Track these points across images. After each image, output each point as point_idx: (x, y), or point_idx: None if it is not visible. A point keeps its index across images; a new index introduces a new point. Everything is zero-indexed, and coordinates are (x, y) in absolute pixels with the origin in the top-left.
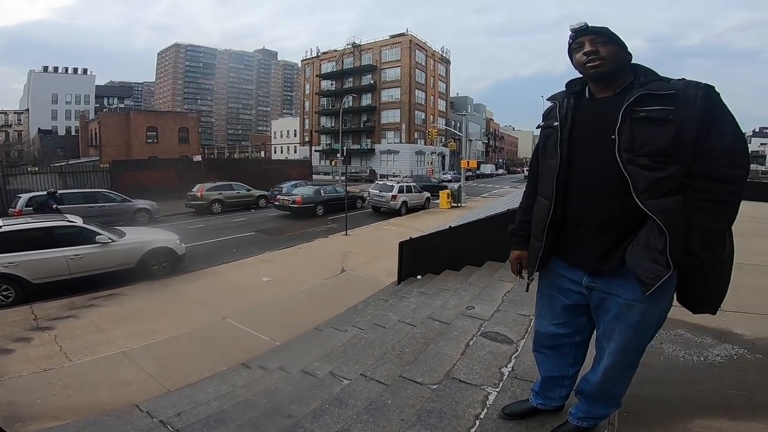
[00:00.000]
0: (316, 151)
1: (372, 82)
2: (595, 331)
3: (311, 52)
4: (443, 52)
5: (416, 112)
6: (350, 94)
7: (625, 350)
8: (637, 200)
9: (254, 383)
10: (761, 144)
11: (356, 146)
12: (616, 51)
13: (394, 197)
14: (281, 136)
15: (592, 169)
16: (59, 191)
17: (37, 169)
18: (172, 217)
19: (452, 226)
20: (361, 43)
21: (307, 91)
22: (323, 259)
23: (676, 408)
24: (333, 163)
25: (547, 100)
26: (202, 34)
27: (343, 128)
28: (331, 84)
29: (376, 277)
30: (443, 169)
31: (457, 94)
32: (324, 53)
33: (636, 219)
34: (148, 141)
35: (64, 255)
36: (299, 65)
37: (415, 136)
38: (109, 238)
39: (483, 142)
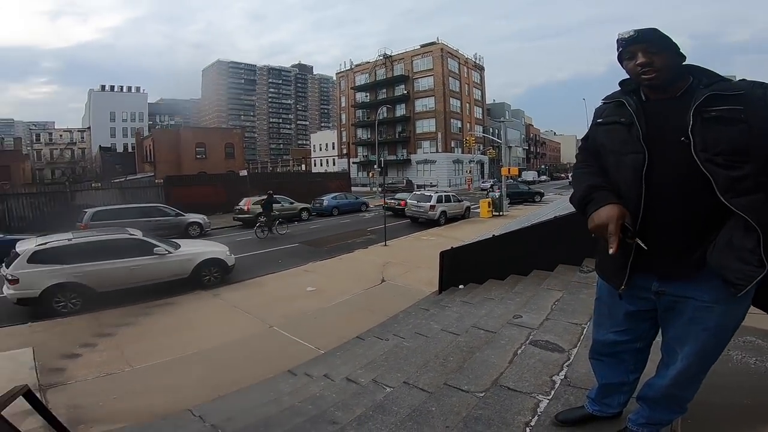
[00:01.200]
0: (353, 163)
1: (405, 92)
2: (661, 336)
3: (344, 65)
4: (476, 59)
5: (452, 120)
6: (384, 105)
7: (701, 354)
8: (722, 199)
9: (300, 390)
10: None
11: (392, 157)
12: (670, 58)
13: (432, 207)
14: (320, 149)
15: (668, 168)
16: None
17: (99, 185)
18: (221, 230)
19: (495, 235)
20: (392, 54)
21: (343, 104)
22: (363, 269)
23: (745, 416)
24: (370, 175)
25: (604, 101)
26: (240, 51)
27: (378, 139)
28: (366, 96)
29: (416, 287)
30: (482, 177)
31: (494, 100)
32: (357, 65)
33: (714, 219)
34: (197, 157)
35: (125, 266)
36: (334, 78)
37: (452, 145)
38: (166, 250)
39: (523, 149)
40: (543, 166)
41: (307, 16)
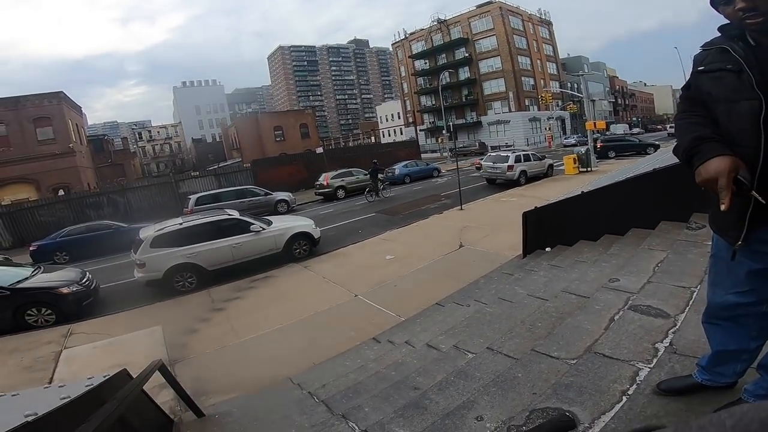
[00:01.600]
0: (420, 130)
1: (467, 55)
2: None
3: (399, 35)
4: (541, 14)
5: (523, 78)
6: (446, 70)
7: None
8: None
9: (384, 357)
10: None
11: (461, 121)
12: None
13: (510, 167)
14: (387, 120)
15: None
16: (217, 191)
17: (198, 173)
18: (305, 206)
19: (584, 191)
20: (447, 18)
21: (403, 74)
22: (440, 235)
23: None
24: (440, 140)
25: (703, 48)
26: (298, 35)
27: (444, 104)
28: (425, 63)
29: (498, 252)
30: (565, 133)
31: (568, 55)
32: (411, 33)
33: None
34: (276, 139)
35: (228, 244)
36: (390, 49)
37: (526, 103)
38: (261, 227)
39: (609, 101)
40: (635, 119)
41: None
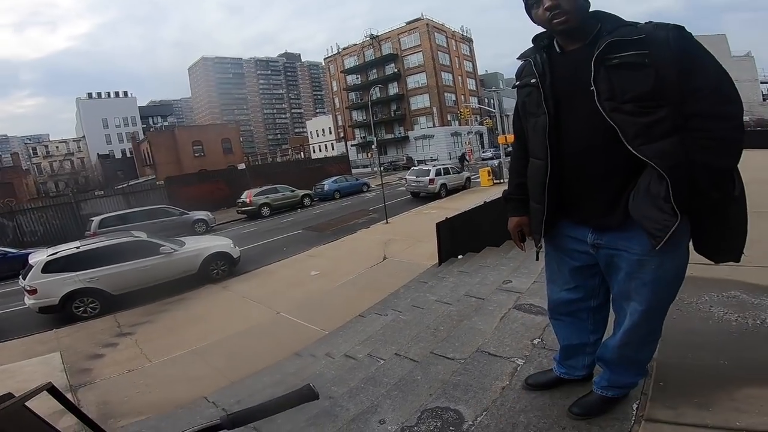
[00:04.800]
0: (352, 145)
1: (396, 70)
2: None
3: (331, 49)
4: (463, 31)
5: (446, 94)
6: (376, 86)
7: (644, 311)
8: (629, 147)
9: (303, 370)
10: None
11: (390, 136)
12: (576, 1)
13: (431, 181)
14: (317, 135)
15: (579, 122)
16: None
17: (103, 192)
18: (226, 225)
19: (486, 201)
20: (379, 34)
21: (335, 88)
22: (366, 249)
23: (723, 377)
24: (369, 156)
25: (518, 59)
26: (223, 46)
27: (374, 120)
28: (356, 78)
29: (418, 262)
30: (482, 147)
31: (486, 71)
32: (344, 48)
33: (635, 167)
34: (196, 155)
35: (135, 267)
36: (323, 64)
37: (449, 118)
38: (172, 249)
39: None
40: None
41: (288, 4)
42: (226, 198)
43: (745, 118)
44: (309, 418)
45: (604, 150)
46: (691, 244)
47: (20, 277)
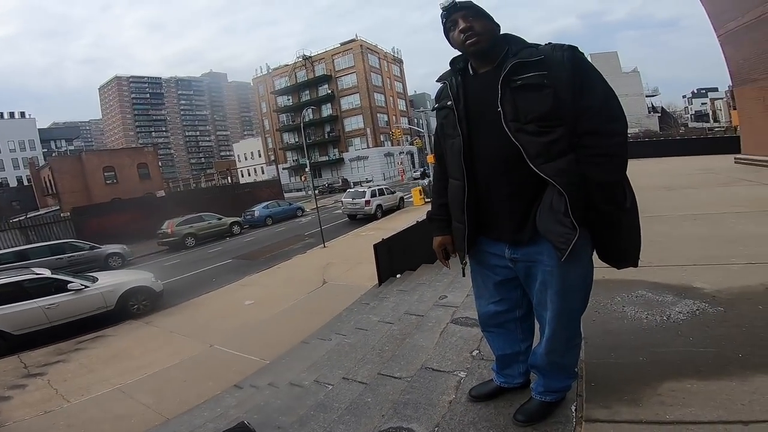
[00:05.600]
0: (284, 169)
1: (329, 91)
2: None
3: (261, 69)
4: (395, 52)
5: (378, 114)
6: (309, 107)
7: (559, 317)
8: (532, 166)
9: (245, 401)
10: (702, 104)
11: (324, 158)
12: (488, 24)
13: (367, 202)
14: (246, 158)
15: (489, 143)
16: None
17: None
18: (146, 258)
19: (419, 221)
20: (312, 54)
21: (264, 110)
22: (304, 274)
23: (644, 372)
24: (303, 179)
25: (437, 81)
26: (139, 64)
27: (307, 142)
28: (288, 99)
29: (358, 284)
30: (414, 167)
31: (415, 91)
32: (275, 69)
33: (540, 185)
34: (107, 182)
35: (39, 305)
36: (251, 84)
37: (382, 139)
38: (82, 285)
39: None
40: None
41: (216, 21)
42: (145, 229)
43: (635, 129)
44: None
45: (511, 169)
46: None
47: None
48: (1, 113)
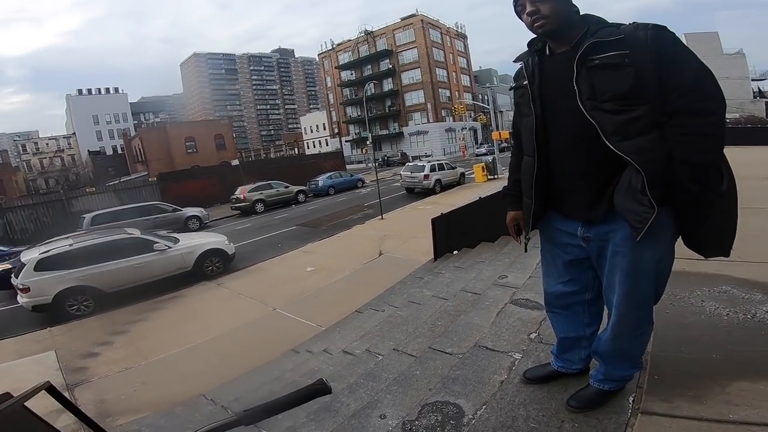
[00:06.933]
0: (346, 141)
1: (390, 66)
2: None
3: (325, 45)
4: (458, 27)
5: (440, 90)
6: (371, 81)
7: (627, 301)
8: (608, 143)
9: (301, 366)
10: None
11: (384, 131)
12: (557, 6)
13: (426, 176)
14: (311, 131)
15: (564, 121)
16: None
17: (94, 189)
18: (220, 221)
19: (481, 197)
20: (373, 30)
21: (329, 84)
22: (361, 244)
23: (715, 370)
24: (363, 151)
25: (514, 61)
26: (214, 42)
27: (368, 116)
28: (351, 74)
29: (413, 257)
30: (476, 143)
31: (480, 67)
32: (338, 44)
33: (615, 163)
34: (188, 151)
35: (129, 264)
36: (317, 59)
37: (443, 114)
38: (166, 245)
39: None
40: None
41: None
42: (220, 194)
43: (736, 115)
44: (309, 414)
45: (585, 147)
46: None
47: (13, 275)
48: (99, 89)
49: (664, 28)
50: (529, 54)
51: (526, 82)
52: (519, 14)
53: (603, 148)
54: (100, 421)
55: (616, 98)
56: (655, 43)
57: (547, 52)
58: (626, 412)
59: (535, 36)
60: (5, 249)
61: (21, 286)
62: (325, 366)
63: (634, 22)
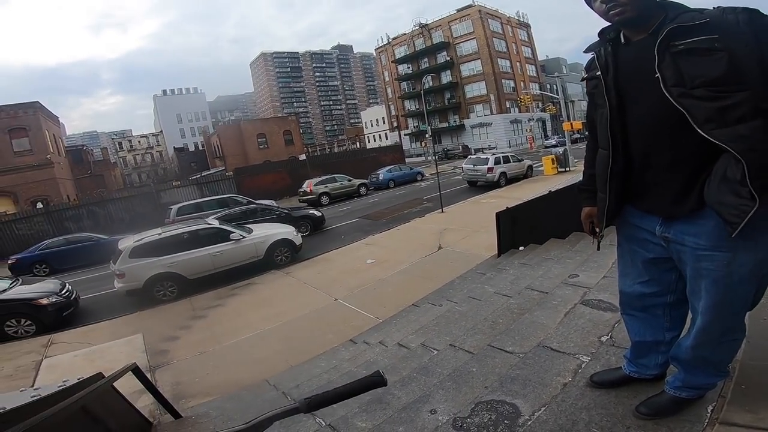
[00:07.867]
0: (405, 134)
1: (448, 58)
2: None
3: (381, 40)
4: (519, 16)
5: (503, 81)
6: (428, 74)
7: (716, 309)
8: (700, 131)
9: (357, 357)
10: None
11: (444, 124)
12: None
13: (490, 169)
14: (372, 125)
15: (644, 110)
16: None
17: (179, 183)
18: None
19: (551, 191)
20: (428, 22)
21: (387, 78)
22: (421, 238)
23: None
24: (423, 144)
25: (584, 52)
26: (279, 40)
27: (427, 108)
28: (408, 67)
29: (475, 252)
30: (546, 134)
31: (547, 56)
32: (394, 38)
33: (704, 154)
34: (260, 147)
35: (208, 253)
36: (374, 54)
37: (507, 105)
38: (241, 235)
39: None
40: None
41: None
42: (288, 187)
43: None
44: (361, 405)
45: (670, 137)
46: None
47: (111, 262)
48: (180, 89)
49: (756, 11)
50: (601, 43)
51: (598, 73)
52: (590, 2)
53: (691, 137)
54: (174, 403)
55: (709, 84)
56: (748, 27)
57: (622, 40)
58: (702, 422)
59: (609, 24)
60: (105, 237)
61: (118, 272)
62: (380, 358)
63: (719, 6)
